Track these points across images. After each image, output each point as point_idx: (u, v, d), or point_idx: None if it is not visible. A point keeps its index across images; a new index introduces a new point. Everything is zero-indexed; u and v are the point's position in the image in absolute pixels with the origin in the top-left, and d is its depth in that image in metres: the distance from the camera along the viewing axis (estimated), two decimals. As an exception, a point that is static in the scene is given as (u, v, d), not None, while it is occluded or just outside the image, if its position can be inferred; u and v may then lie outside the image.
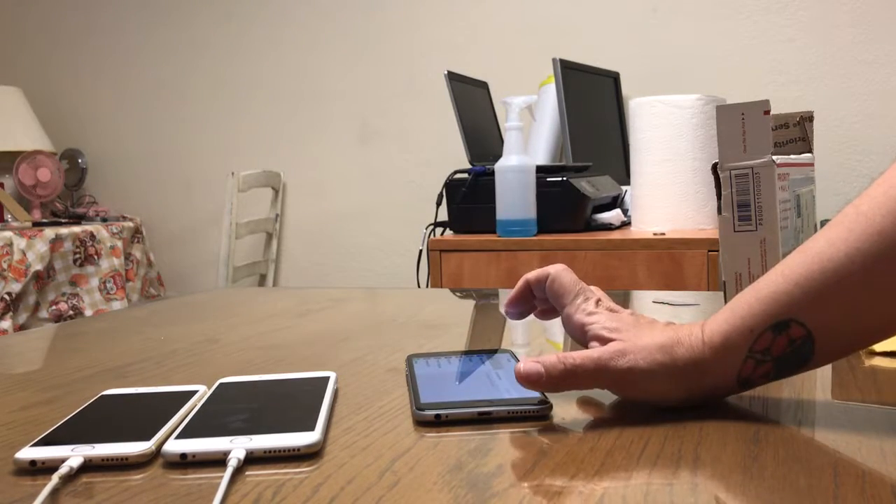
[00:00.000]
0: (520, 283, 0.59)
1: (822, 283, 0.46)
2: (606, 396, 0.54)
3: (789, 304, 0.47)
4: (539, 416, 0.49)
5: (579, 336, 0.55)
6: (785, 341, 0.47)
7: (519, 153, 1.64)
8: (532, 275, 0.58)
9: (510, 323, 0.83)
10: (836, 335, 0.47)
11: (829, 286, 0.46)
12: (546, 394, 0.51)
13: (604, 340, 0.51)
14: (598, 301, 0.56)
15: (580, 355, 0.50)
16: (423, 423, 0.49)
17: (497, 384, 0.55)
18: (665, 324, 0.53)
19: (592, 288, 0.58)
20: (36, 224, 2.57)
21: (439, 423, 0.49)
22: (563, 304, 0.56)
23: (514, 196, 1.64)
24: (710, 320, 0.50)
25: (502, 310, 0.61)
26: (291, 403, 0.51)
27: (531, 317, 0.61)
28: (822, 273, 0.46)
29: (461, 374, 0.58)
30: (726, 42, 2.25)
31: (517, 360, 0.60)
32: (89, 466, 0.43)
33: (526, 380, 0.50)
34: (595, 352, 0.50)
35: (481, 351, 0.64)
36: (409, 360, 0.62)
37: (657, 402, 0.51)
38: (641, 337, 0.50)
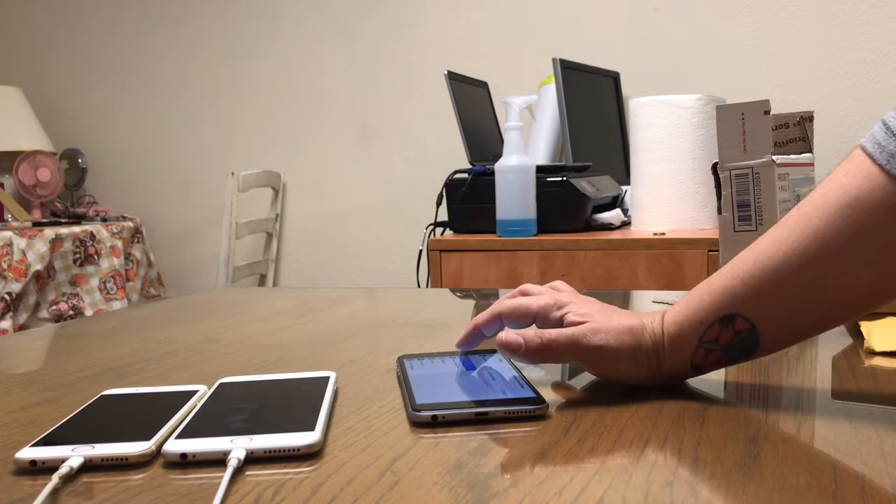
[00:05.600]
0: (470, 327, 0.62)
1: (763, 281, 0.50)
2: (605, 396, 0.54)
3: (734, 299, 0.51)
4: (536, 416, 0.49)
5: (556, 326, 0.58)
6: (731, 333, 0.52)
7: (519, 153, 1.64)
8: (481, 318, 0.62)
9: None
10: (778, 328, 0.51)
11: (770, 283, 0.50)
12: (542, 394, 0.51)
13: (577, 325, 0.55)
14: (562, 298, 0.59)
15: (556, 331, 0.55)
16: (419, 425, 0.49)
17: (491, 384, 0.55)
18: (630, 312, 0.57)
19: (556, 284, 0.63)
20: (36, 224, 2.57)
21: (436, 423, 0.49)
22: (532, 322, 0.60)
23: (514, 196, 1.64)
24: (670, 310, 0.55)
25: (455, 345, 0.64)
26: (291, 403, 0.51)
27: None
28: (764, 271, 0.50)
29: (454, 374, 0.58)
30: (726, 42, 2.25)
31: (508, 361, 0.61)
32: (89, 466, 0.43)
33: (506, 348, 0.55)
34: (570, 329, 0.55)
35: (471, 352, 0.65)
36: (401, 361, 0.62)
37: (621, 380, 0.56)
38: (611, 320, 0.55)
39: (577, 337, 0.54)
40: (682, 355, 0.53)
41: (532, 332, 0.55)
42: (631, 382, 0.56)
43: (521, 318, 0.59)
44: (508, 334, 0.55)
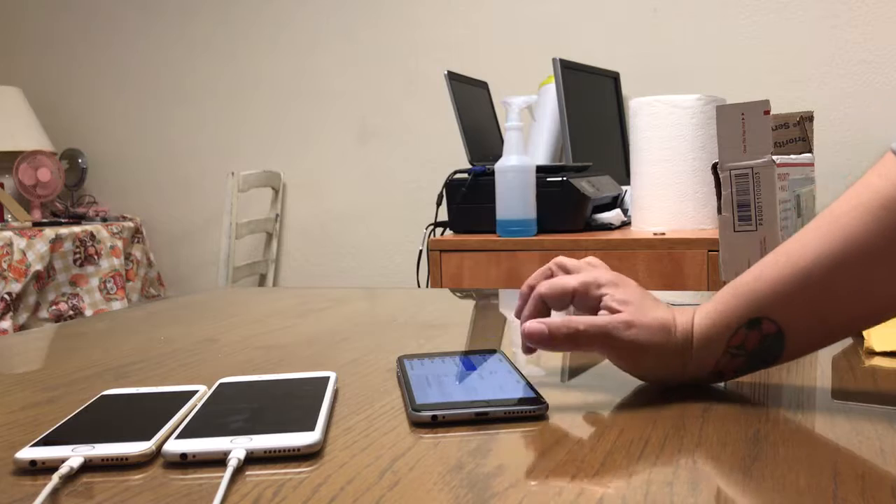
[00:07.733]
0: (525, 329, 0.54)
1: (792, 284, 0.49)
2: (605, 397, 0.54)
3: (761, 301, 0.50)
4: (536, 416, 0.49)
5: (594, 306, 0.55)
6: (757, 337, 0.51)
7: (519, 153, 1.64)
8: (528, 311, 0.57)
9: (510, 323, 0.83)
10: (804, 331, 0.51)
11: (798, 286, 0.49)
12: (542, 394, 0.51)
13: (613, 311, 0.53)
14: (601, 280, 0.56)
15: (585, 321, 0.52)
16: (419, 425, 0.49)
17: (490, 384, 0.54)
18: (664, 305, 0.55)
19: (590, 260, 0.61)
20: (36, 224, 2.57)
21: (436, 423, 0.49)
22: (571, 301, 0.57)
23: (514, 196, 1.64)
24: (700, 310, 0.54)
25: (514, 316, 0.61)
26: (291, 403, 0.51)
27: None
28: (793, 274, 0.49)
29: (454, 374, 0.58)
30: (726, 42, 2.25)
31: (508, 361, 0.60)
32: (89, 466, 0.43)
33: (530, 338, 0.52)
34: (601, 319, 0.53)
35: (471, 352, 0.65)
36: (401, 361, 0.62)
37: (641, 376, 0.55)
38: (646, 312, 0.53)
39: (608, 329, 0.52)
40: (707, 359, 0.53)
41: (558, 321, 0.52)
42: (651, 380, 0.55)
43: (560, 298, 0.56)
44: (531, 324, 0.52)
